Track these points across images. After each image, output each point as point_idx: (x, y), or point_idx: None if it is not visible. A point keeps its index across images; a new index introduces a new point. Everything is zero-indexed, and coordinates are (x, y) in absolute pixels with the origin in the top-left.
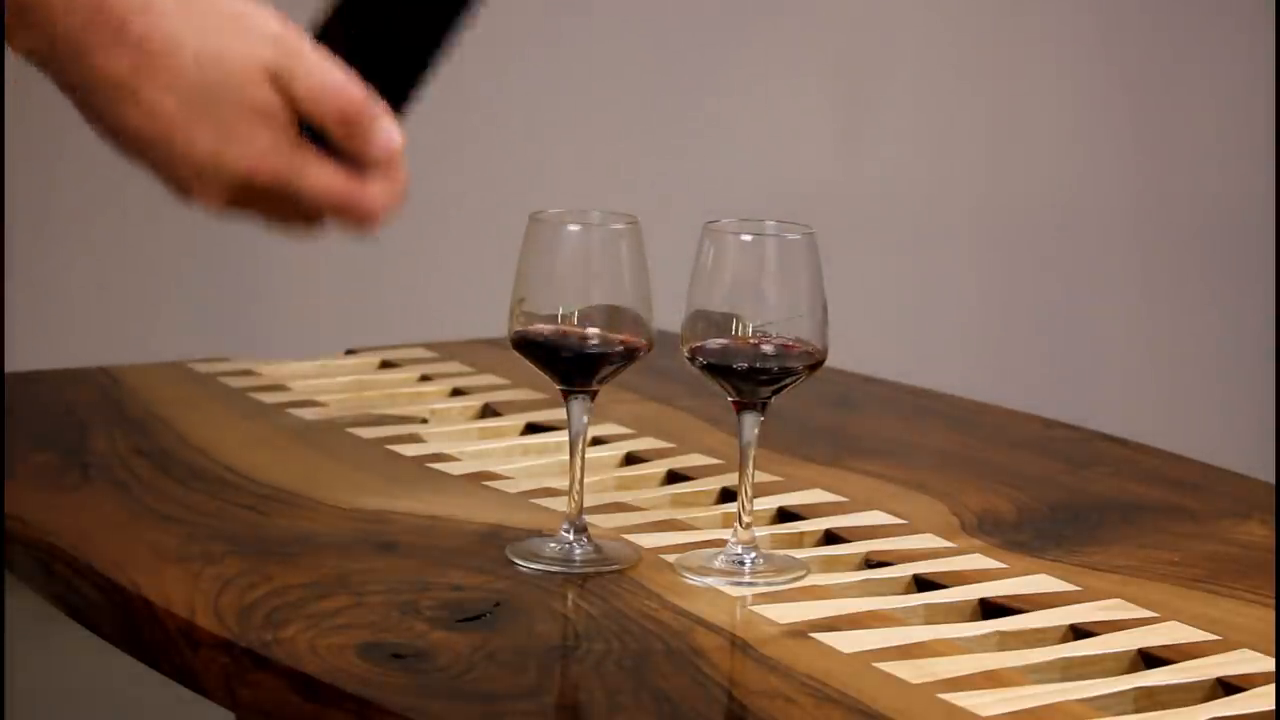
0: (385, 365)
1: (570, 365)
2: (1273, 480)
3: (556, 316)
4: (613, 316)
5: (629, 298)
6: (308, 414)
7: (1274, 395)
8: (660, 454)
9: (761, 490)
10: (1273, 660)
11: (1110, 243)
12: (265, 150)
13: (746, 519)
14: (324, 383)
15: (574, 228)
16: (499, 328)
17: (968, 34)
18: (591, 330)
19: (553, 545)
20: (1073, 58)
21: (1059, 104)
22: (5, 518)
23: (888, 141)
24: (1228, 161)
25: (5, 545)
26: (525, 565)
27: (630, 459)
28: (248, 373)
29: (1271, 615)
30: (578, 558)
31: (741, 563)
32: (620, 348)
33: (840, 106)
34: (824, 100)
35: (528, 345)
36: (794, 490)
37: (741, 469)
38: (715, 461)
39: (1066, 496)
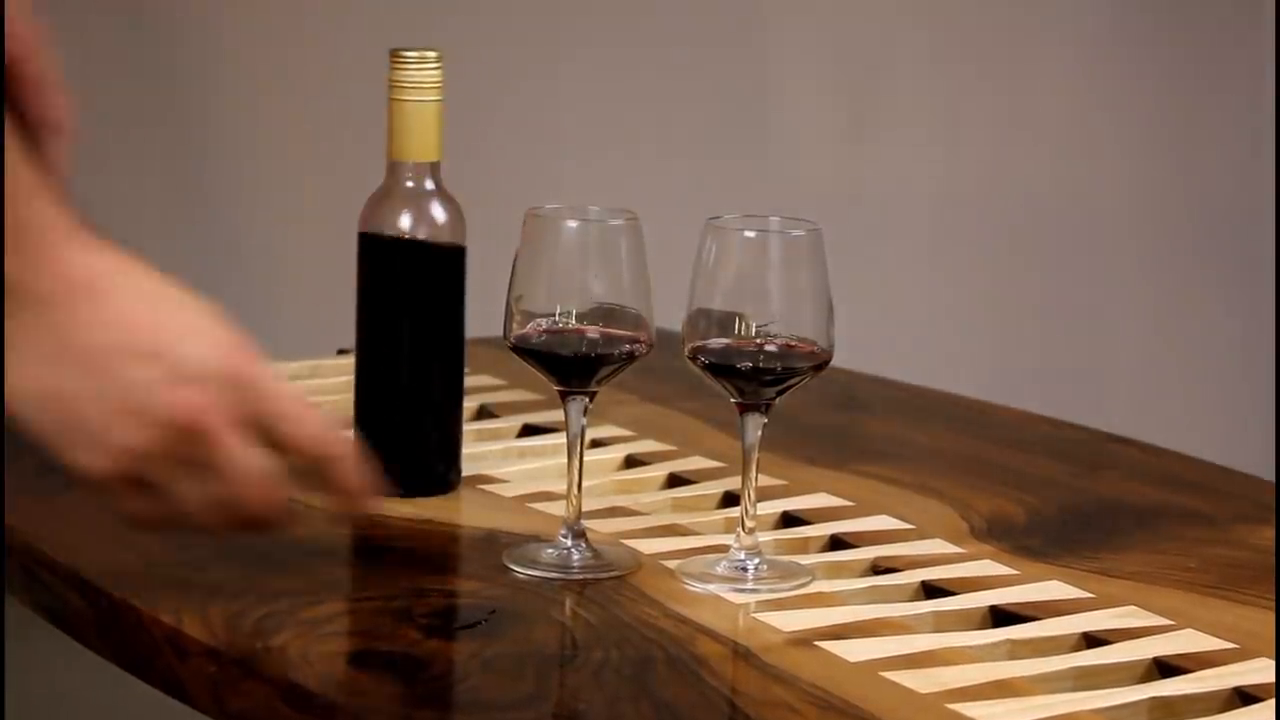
0: None
1: (568, 366)
2: None
3: (554, 315)
4: (612, 315)
5: (628, 296)
6: None
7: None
8: (661, 457)
9: (765, 494)
10: None
11: (1123, 242)
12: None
13: (750, 524)
14: (316, 384)
15: (572, 224)
16: (495, 327)
17: (977, 30)
18: (590, 330)
19: (550, 551)
20: (1085, 55)
21: (1071, 102)
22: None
23: (895, 138)
24: (1242, 161)
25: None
26: (522, 571)
27: (630, 462)
28: None
29: None
30: (576, 563)
31: (744, 569)
32: (620, 348)
33: (847, 103)
34: (830, 96)
35: (525, 345)
36: (798, 494)
37: (745, 472)
38: (717, 464)
39: (1078, 500)
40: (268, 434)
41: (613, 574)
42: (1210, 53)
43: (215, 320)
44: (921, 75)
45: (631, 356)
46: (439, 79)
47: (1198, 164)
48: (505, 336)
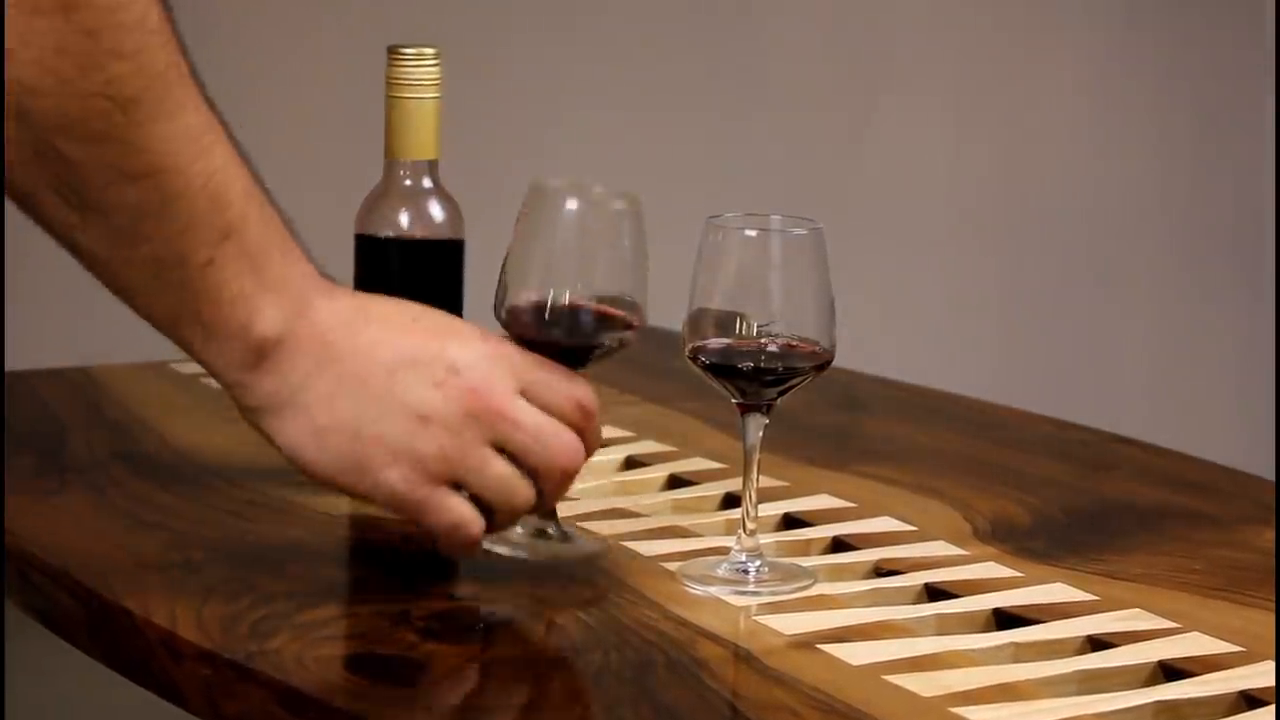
0: None
1: (559, 346)
2: None
3: (547, 294)
4: (606, 298)
5: (626, 280)
6: None
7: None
8: (661, 458)
9: (766, 495)
10: None
11: (1127, 242)
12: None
13: (751, 525)
14: None
15: (573, 204)
16: (491, 327)
17: (986, 25)
18: (583, 310)
19: (520, 531)
20: (1095, 54)
21: (1079, 101)
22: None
23: (899, 135)
24: (1249, 162)
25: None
26: (492, 548)
27: (630, 463)
28: None
29: None
30: (543, 548)
31: (746, 571)
32: (611, 333)
33: (851, 99)
34: (834, 93)
35: (516, 321)
36: (800, 495)
37: (746, 473)
38: (718, 466)
39: (1083, 501)
40: (539, 401)
41: (580, 554)
42: (1219, 53)
43: (456, 320)
44: (926, 73)
45: (622, 343)
46: (437, 76)
47: (1205, 164)
48: (496, 313)
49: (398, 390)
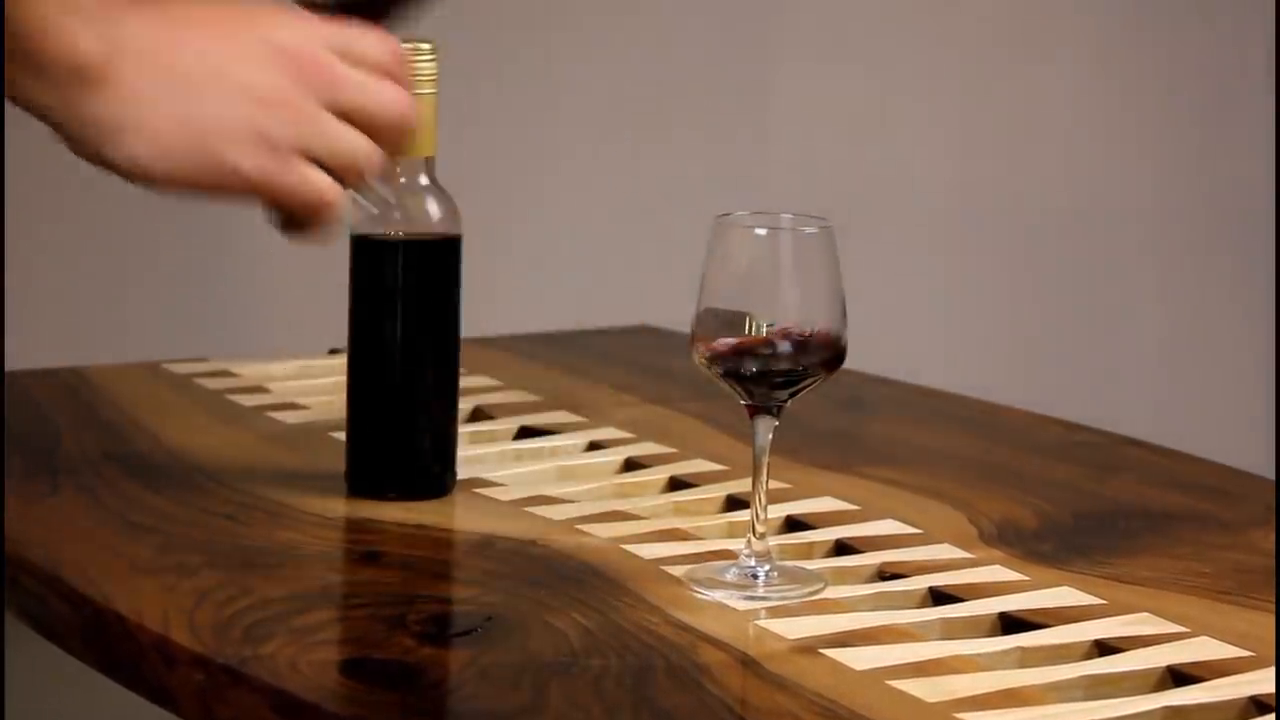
0: None
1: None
2: None
3: None
4: None
5: None
6: (289, 417)
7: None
8: (661, 459)
9: (769, 498)
10: None
11: (1138, 243)
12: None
13: (761, 529)
14: (306, 384)
15: None
16: (488, 327)
17: (988, 25)
18: None
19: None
20: (1101, 53)
21: (1086, 100)
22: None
23: (905, 135)
24: (1256, 161)
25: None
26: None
27: (629, 465)
28: (225, 374)
29: None
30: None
31: (755, 576)
32: None
33: (856, 100)
34: (839, 93)
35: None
36: (802, 498)
37: (755, 476)
38: (719, 468)
39: (1090, 504)
40: (354, 59)
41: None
42: (1225, 51)
43: (257, 5)
44: (932, 72)
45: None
46: (433, 71)
47: (1212, 164)
48: None
49: (226, 80)
